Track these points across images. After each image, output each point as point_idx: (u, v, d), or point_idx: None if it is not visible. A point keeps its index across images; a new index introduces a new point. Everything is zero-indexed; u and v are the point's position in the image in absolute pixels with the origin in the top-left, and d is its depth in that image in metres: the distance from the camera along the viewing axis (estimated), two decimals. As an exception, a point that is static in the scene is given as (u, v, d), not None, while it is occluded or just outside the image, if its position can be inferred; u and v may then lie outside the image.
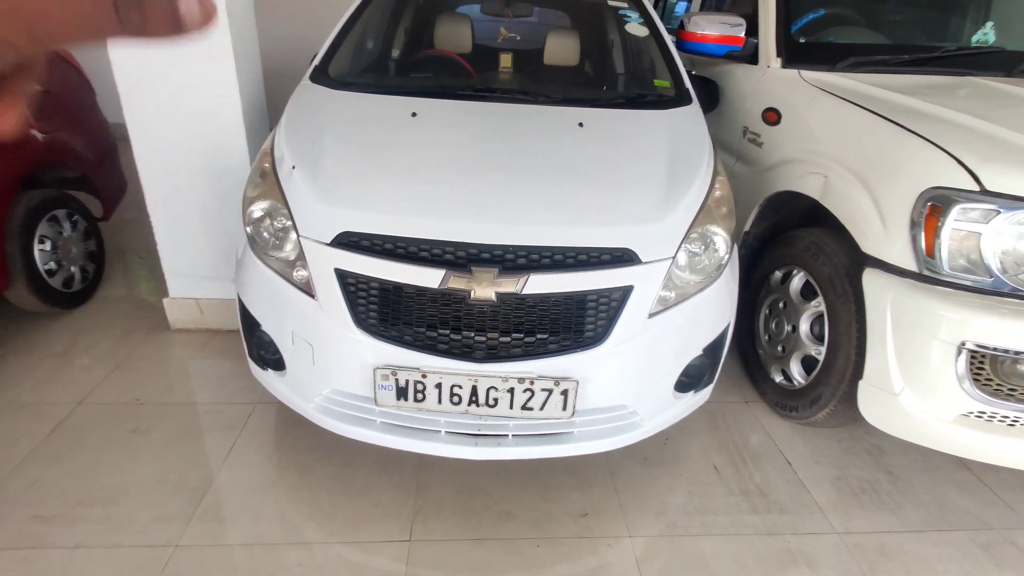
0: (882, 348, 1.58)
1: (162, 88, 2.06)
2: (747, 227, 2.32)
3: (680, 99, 2.05)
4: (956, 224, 1.44)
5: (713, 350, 1.69)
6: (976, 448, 1.53)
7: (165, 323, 2.47)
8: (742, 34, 2.39)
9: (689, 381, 1.71)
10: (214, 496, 1.68)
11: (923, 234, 1.49)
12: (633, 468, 1.87)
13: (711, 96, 2.52)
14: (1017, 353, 1.39)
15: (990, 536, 1.69)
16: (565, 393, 1.44)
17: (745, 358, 2.36)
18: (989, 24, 2.32)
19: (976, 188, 1.43)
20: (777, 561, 1.58)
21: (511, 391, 1.43)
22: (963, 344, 1.42)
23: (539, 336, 1.44)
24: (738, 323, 2.41)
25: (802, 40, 2.39)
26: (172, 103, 2.09)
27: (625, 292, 1.45)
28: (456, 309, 1.42)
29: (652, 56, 2.31)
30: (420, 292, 1.41)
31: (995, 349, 1.40)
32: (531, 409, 1.45)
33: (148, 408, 2.01)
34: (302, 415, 1.61)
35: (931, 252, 1.48)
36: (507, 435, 1.53)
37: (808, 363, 1.96)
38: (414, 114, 1.80)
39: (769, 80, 2.28)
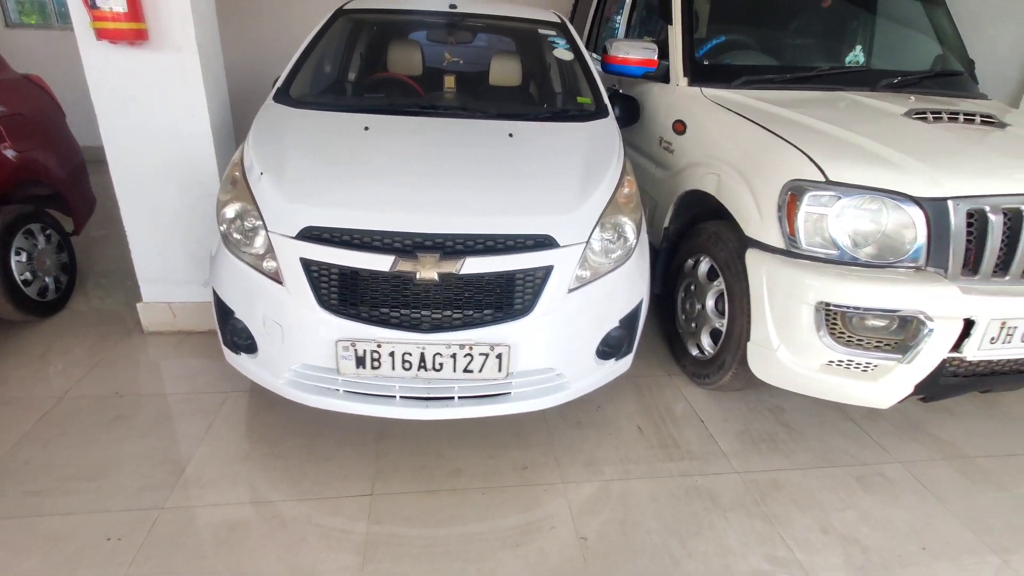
0: (762, 313, 1.91)
1: (136, 108, 2.28)
2: (666, 223, 2.66)
3: (598, 113, 2.38)
4: (808, 208, 1.78)
5: (629, 322, 2.00)
6: (839, 390, 1.87)
7: (139, 327, 2.65)
8: (655, 57, 2.75)
9: (609, 350, 2.00)
10: (195, 467, 1.88)
11: (786, 218, 1.83)
12: (568, 430, 2.15)
13: (633, 111, 2.86)
14: (859, 309, 1.73)
15: (864, 470, 2.02)
16: (500, 357, 1.71)
17: (668, 337, 2.68)
18: (858, 47, 2.75)
19: (823, 179, 1.78)
20: (685, 496, 1.87)
21: (454, 356, 1.70)
22: (820, 304, 1.76)
23: (476, 309, 1.72)
24: (661, 306, 2.76)
25: (706, 62, 2.77)
26: (145, 122, 2.31)
27: (547, 271, 1.74)
28: (405, 288, 1.69)
29: (577, 77, 2.64)
30: (374, 275, 1.67)
31: (843, 307, 1.74)
32: (472, 371, 1.72)
33: (128, 399, 2.19)
34: (274, 393, 1.84)
35: (793, 232, 1.82)
36: (454, 397, 1.79)
37: (715, 335, 2.29)
38: (367, 128, 2.07)
39: (678, 97, 2.64)
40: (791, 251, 1.85)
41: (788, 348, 1.87)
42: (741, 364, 2.10)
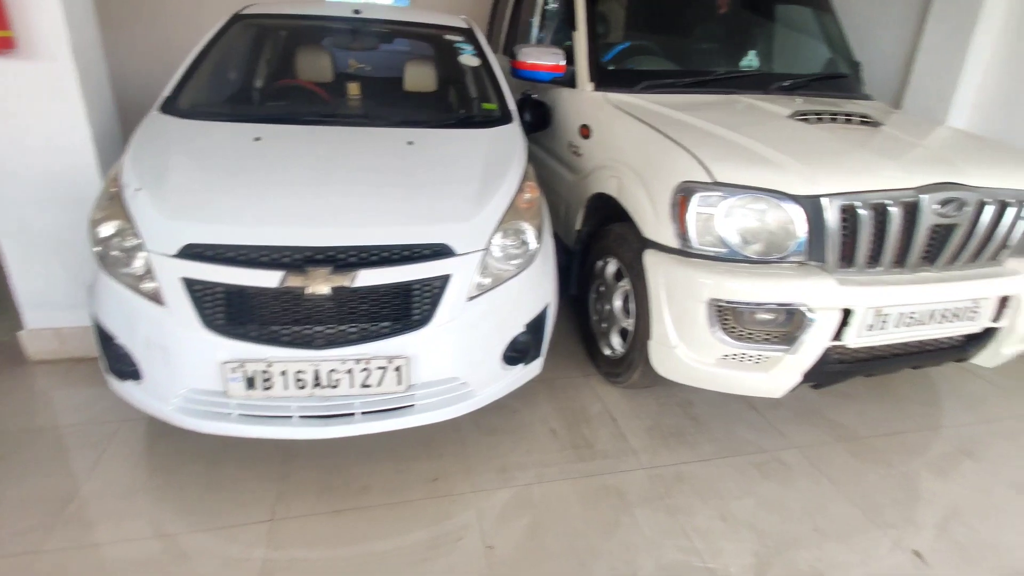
0: (660, 312, 1.96)
1: (7, 122, 2.12)
2: (578, 226, 2.70)
3: (503, 119, 2.39)
4: (697, 208, 1.84)
5: (535, 327, 2.01)
6: (735, 383, 1.94)
7: (21, 356, 2.46)
8: (563, 63, 2.78)
9: (517, 356, 2.01)
10: (78, 505, 1.76)
11: (678, 218, 1.89)
12: (481, 437, 2.14)
13: (543, 116, 2.89)
14: (747, 304, 1.80)
15: (763, 457, 2.11)
16: (399, 369, 1.68)
17: (585, 338, 2.72)
18: (752, 52, 2.88)
19: (710, 180, 1.85)
20: (594, 496, 1.90)
21: (350, 372, 1.66)
22: (712, 301, 1.82)
23: (373, 322, 1.68)
24: (579, 308, 2.79)
25: (611, 67, 2.83)
26: (19, 137, 2.15)
27: (444, 280, 1.72)
28: (296, 305, 1.64)
29: (484, 83, 2.64)
30: (262, 292, 1.61)
31: (733, 303, 1.81)
32: (370, 386, 1.68)
33: (10, 436, 2.03)
34: (164, 420, 1.74)
35: (684, 232, 1.88)
36: (355, 413, 1.75)
37: (624, 334, 2.33)
38: (257, 138, 2.00)
39: (583, 101, 2.68)
40: (684, 251, 1.90)
41: (686, 345, 1.93)
42: (647, 362, 2.15)
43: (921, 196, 1.82)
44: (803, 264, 1.86)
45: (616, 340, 2.39)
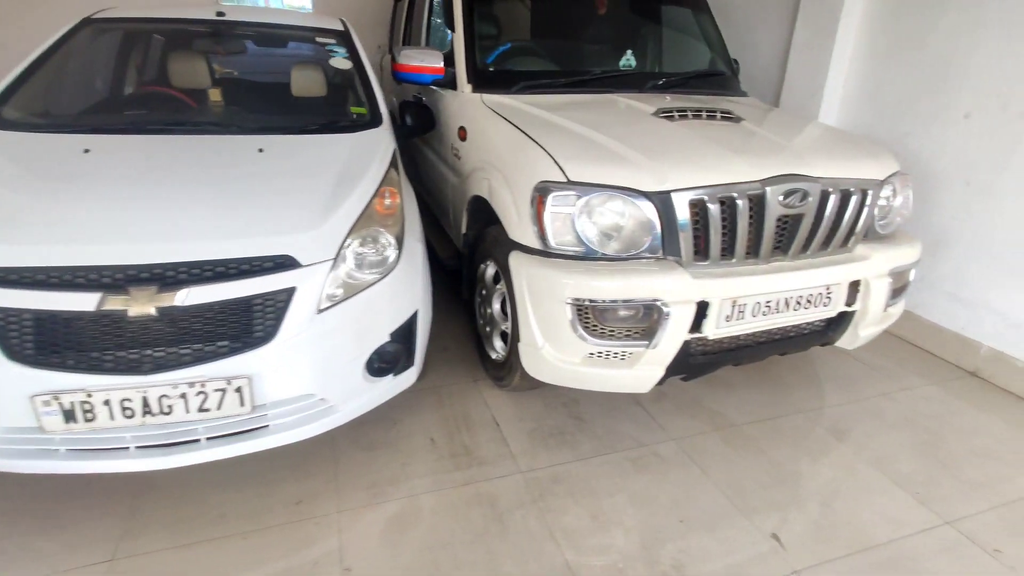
0: (526, 313, 1.94)
1: None
2: (463, 229, 2.66)
3: (371, 123, 2.32)
4: (553, 208, 1.84)
5: (403, 335, 1.95)
6: (603, 380, 1.94)
7: None
8: (440, 65, 2.74)
9: (386, 366, 1.95)
10: None
11: (537, 218, 1.88)
12: (356, 453, 2.06)
13: (426, 119, 2.85)
14: (606, 302, 1.80)
15: (641, 452, 2.13)
16: (240, 390, 1.59)
17: (478, 343, 2.68)
18: (630, 52, 2.93)
19: (564, 179, 1.84)
20: (465, 505, 1.85)
21: (184, 396, 1.55)
22: (572, 301, 1.81)
23: (209, 342, 1.58)
24: (471, 312, 2.75)
25: (491, 69, 2.81)
26: None
27: (289, 293, 1.64)
28: (119, 328, 1.52)
29: (356, 86, 2.57)
30: (77, 317, 1.49)
31: (593, 302, 1.81)
32: (208, 410, 1.58)
33: None
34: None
35: (543, 232, 1.87)
36: (200, 439, 1.64)
37: (505, 337, 2.31)
38: (87, 150, 1.86)
39: (462, 103, 2.65)
40: (545, 251, 1.89)
41: (551, 345, 1.92)
42: (524, 364, 2.13)
43: (767, 188, 1.88)
44: (660, 259, 1.89)
45: (499, 343, 2.37)
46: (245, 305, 1.60)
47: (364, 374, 1.86)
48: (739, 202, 1.86)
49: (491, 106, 2.43)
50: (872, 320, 2.19)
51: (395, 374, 1.98)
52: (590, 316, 1.85)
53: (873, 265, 2.09)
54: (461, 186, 2.61)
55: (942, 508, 1.91)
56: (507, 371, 2.28)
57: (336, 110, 2.60)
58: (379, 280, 1.82)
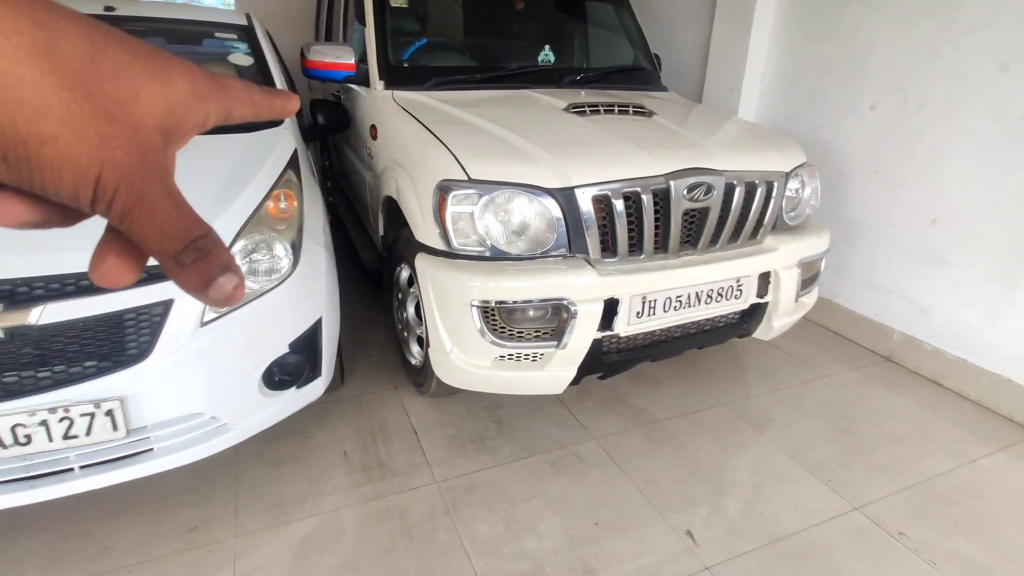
0: (433, 317, 1.87)
1: None
2: (381, 231, 2.57)
3: (269, 122, 2.21)
4: (455, 207, 1.77)
5: (306, 345, 1.85)
6: (516, 383, 1.90)
7: None
8: (351, 61, 2.64)
9: (288, 378, 1.85)
10: None
11: (440, 219, 1.81)
12: (262, 471, 1.95)
13: (340, 118, 2.74)
14: (511, 303, 1.75)
15: (560, 453, 2.09)
16: (111, 413, 1.47)
17: (400, 349, 2.60)
18: (547, 47, 2.89)
19: (465, 178, 1.78)
20: (374, 521, 1.77)
21: (44, 424, 1.42)
22: (477, 303, 1.75)
23: (73, 363, 1.45)
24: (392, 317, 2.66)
25: (405, 65, 2.73)
26: None
27: (166, 306, 1.52)
28: (-36, 352, 1.37)
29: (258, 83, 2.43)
30: (-88, 342, 1.34)
31: (498, 303, 1.75)
32: (76, 436, 1.46)
33: None
34: None
35: (446, 232, 1.80)
36: (73, 468, 1.51)
37: (422, 342, 2.23)
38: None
39: (374, 101, 2.56)
40: (449, 252, 1.83)
41: (460, 349, 1.85)
42: (439, 369, 2.06)
43: (671, 183, 1.86)
44: (568, 258, 1.85)
45: (416, 348, 2.29)
46: (114, 321, 1.48)
47: (261, 388, 1.76)
48: (644, 197, 1.84)
49: (401, 103, 2.35)
50: (785, 310, 2.21)
51: (298, 386, 1.88)
52: (497, 318, 1.80)
53: (781, 256, 2.11)
54: (376, 187, 2.52)
55: (852, 494, 1.94)
56: (425, 377, 2.21)
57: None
58: (273, 288, 1.72)
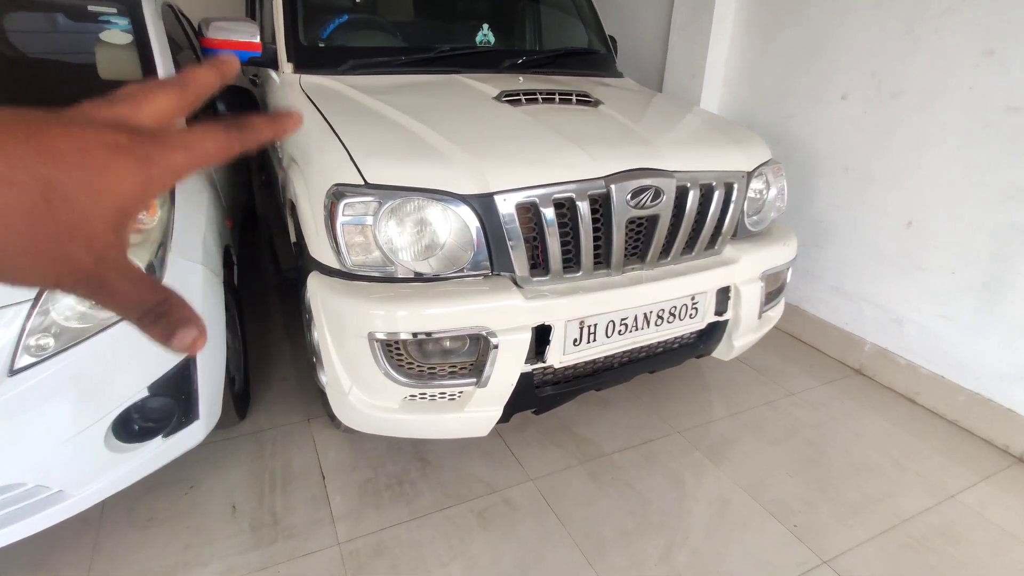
0: (328, 350, 1.56)
1: None
2: (293, 238, 2.23)
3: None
4: (347, 218, 1.45)
5: (173, 386, 1.53)
6: (431, 427, 1.60)
7: None
8: (256, 40, 2.28)
9: (154, 426, 1.53)
10: None
11: (331, 231, 1.49)
12: (127, 534, 1.62)
13: (246, 106, 2.38)
14: (419, 335, 1.44)
15: (490, 500, 1.80)
16: None
17: (315, 372, 2.28)
18: (485, 27, 2.56)
19: (362, 182, 1.46)
20: (256, 599, 1.47)
21: None
22: (372, 336, 1.44)
23: None
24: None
25: (321, 45, 2.38)
26: None
27: (-42, 353, 1.19)
28: None
29: (135, 65, 2.06)
30: None
31: (401, 335, 1.45)
32: None
33: None
34: None
35: (339, 248, 1.48)
36: None
37: (331, 371, 1.92)
38: None
39: (281, 86, 2.21)
40: (343, 272, 1.51)
41: (360, 389, 1.55)
42: (346, 406, 1.75)
43: (611, 186, 1.57)
44: (489, 277, 1.55)
45: (323, 376, 1.97)
46: None
47: (109, 444, 1.43)
48: (580, 204, 1.54)
49: (307, 90, 2.01)
50: (747, 328, 1.96)
51: (166, 435, 1.55)
52: (403, 353, 1.49)
53: (742, 269, 1.84)
54: (283, 188, 2.18)
55: (819, 542, 1.70)
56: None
57: (91, 94, 2.04)
58: (115, 324, 1.38)
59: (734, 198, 1.82)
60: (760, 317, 1.97)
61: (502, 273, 1.56)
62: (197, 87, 0.34)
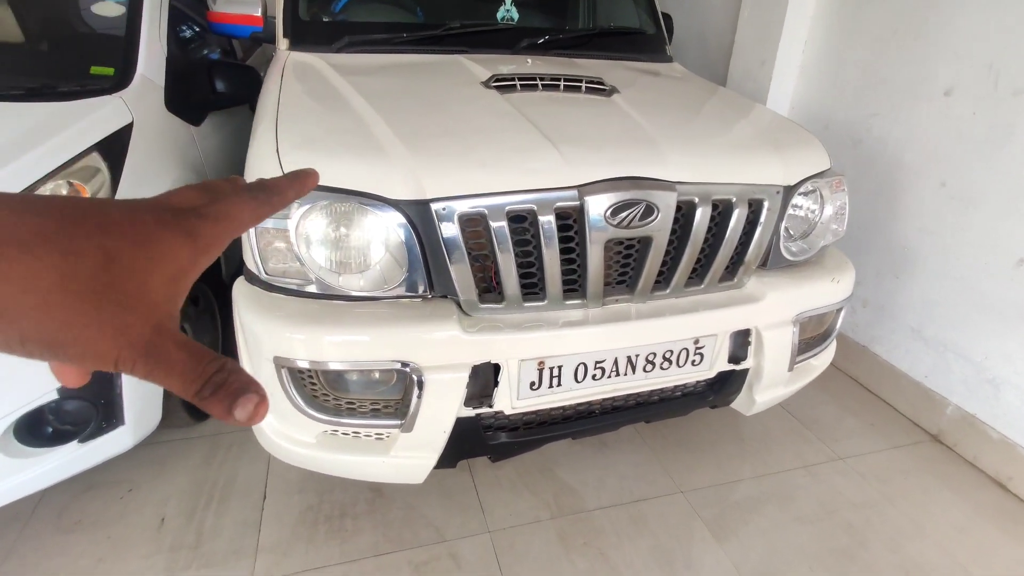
0: (244, 365, 1.36)
1: None
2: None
3: (117, 86, 1.74)
4: (263, 222, 1.24)
5: (85, 390, 1.41)
6: (352, 468, 1.38)
7: None
8: (258, 13, 2.13)
9: (71, 429, 1.43)
10: None
11: (252, 234, 1.28)
12: (48, 538, 1.54)
13: (251, 83, 2.25)
14: (321, 365, 1.21)
15: (432, 552, 1.55)
16: None
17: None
18: (509, 2, 2.25)
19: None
20: (143, 637, 1.32)
21: None
22: (278, 360, 1.23)
23: None
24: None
25: (325, 20, 2.19)
26: None
27: None
28: None
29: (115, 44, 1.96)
30: None
31: (303, 363, 1.22)
32: None
33: None
34: None
35: (253, 255, 1.28)
36: None
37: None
38: None
39: (277, 64, 2.03)
40: (262, 280, 1.30)
41: (275, 417, 1.34)
42: (283, 425, 1.56)
43: (586, 199, 1.25)
44: (429, 300, 1.28)
45: (278, 387, 1.80)
46: None
47: (8, 448, 1.32)
48: (542, 219, 1.24)
49: (290, 68, 1.82)
50: (772, 381, 1.57)
51: (82, 440, 1.43)
52: (316, 383, 1.27)
53: (768, 309, 1.45)
54: (267, 174, 2.01)
55: (833, 673, 1.31)
56: (282, 426, 1.71)
57: (62, 71, 1.90)
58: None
59: (762, 219, 1.42)
60: (792, 369, 1.57)
61: (449, 296, 1.29)
62: (280, 196, 0.36)
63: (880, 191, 2.21)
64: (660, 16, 2.47)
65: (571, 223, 1.28)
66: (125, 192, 1.55)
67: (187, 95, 2.09)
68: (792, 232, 1.59)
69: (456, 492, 1.74)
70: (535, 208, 1.23)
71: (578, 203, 1.25)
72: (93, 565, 1.48)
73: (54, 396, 1.36)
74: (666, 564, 1.55)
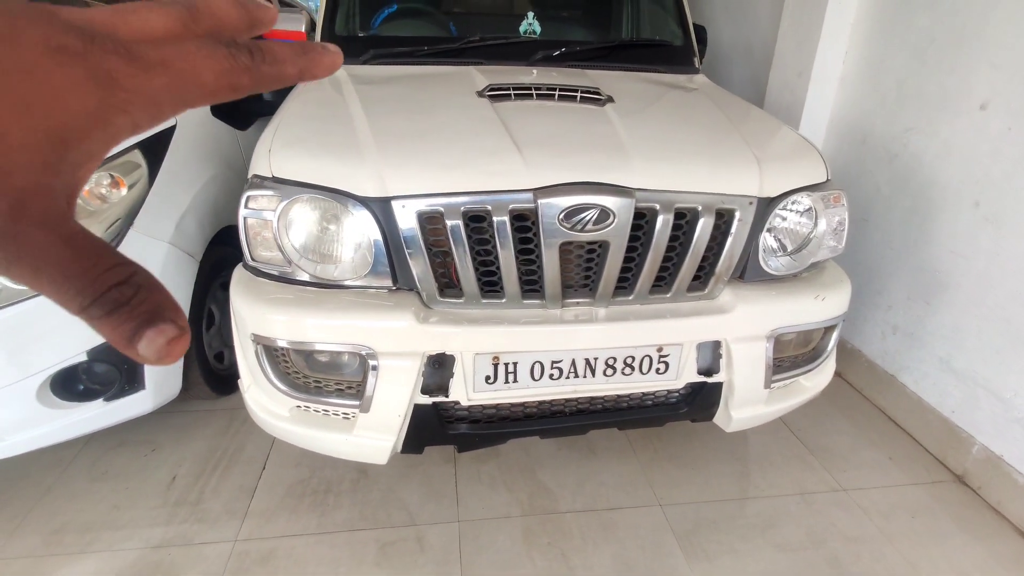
0: (236, 342, 1.52)
1: None
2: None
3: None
4: (250, 211, 1.38)
5: (112, 354, 1.61)
6: (319, 443, 1.48)
7: None
8: (301, 29, 2.33)
9: (99, 388, 1.64)
10: None
11: (242, 223, 1.43)
12: (79, 484, 1.77)
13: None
14: (292, 344, 1.33)
15: (401, 533, 1.64)
16: None
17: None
18: (531, 15, 2.32)
19: (269, 175, 1.38)
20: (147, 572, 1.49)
21: None
22: (255, 337, 1.36)
23: None
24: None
25: (361, 34, 2.36)
26: None
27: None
28: None
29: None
30: None
31: (277, 341, 1.34)
32: None
33: None
34: None
35: (242, 242, 1.42)
36: None
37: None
38: None
39: (309, 74, 2.23)
40: (252, 267, 1.45)
41: (257, 389, 1.48)
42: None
43: (540, 201, 1.29)
44: (393, 292, 1.38)
45: (284, 368, 1.96)
46: None
47: (44, 399, 1.55)
48: (496, 219, 1.30)
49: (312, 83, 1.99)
50: (746, 398, 1.53)
51: (107, 399, 1.64)
52: (288, 360, 1.39)
53: (736, 322, 1.42)
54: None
55: None
56: (284, 404, 1.87)
57: None
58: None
59: (733, 230, 1.40)
60: (768, 387, 1.52)
61: (414, 289, 1.38)
62: (211, 17, 0.24)
63: (915, 210, 2.07)
64: (691, 27, 2.46)
65: (530, 225, 1.33)
66: (160, 188, 1.76)
67: (235, 103, 2.32)
68: (786, 245, 1.55)
69: (436, 481, 1.82)
70: (490, 208, 1.30)
71: (533, 205, 1.30)
72: (108, 510, 1.68)
73: (83, 358, 1.57)
74: (625, 572, 1.54)
